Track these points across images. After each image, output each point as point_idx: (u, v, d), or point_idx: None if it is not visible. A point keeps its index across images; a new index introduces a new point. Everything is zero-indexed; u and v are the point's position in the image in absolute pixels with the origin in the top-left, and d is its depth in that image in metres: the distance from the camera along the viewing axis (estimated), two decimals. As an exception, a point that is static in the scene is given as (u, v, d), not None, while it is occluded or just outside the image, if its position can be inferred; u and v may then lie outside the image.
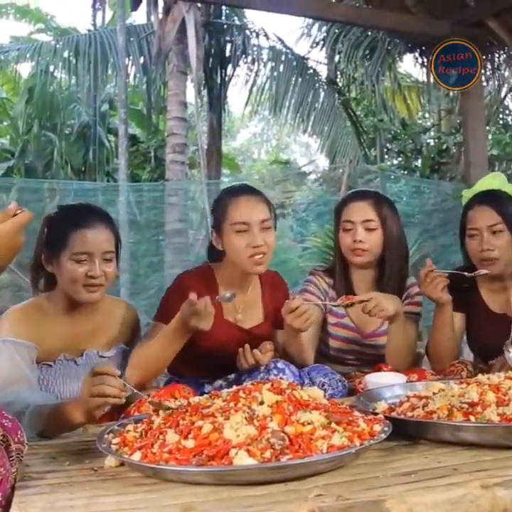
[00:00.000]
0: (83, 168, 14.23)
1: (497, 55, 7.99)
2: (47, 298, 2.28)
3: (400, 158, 14.26)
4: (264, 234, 2.38)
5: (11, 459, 1.38)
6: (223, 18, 12.80)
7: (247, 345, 2.31)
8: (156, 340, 2.26)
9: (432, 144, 14.02)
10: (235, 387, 1.67)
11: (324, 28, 12.37)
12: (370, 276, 2.79)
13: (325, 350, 2.80)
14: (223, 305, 2.46)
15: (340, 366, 2.75)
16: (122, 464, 1.48)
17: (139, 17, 27.77)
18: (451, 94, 13.15)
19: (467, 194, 2.86)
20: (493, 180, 2.90)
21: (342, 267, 2.80)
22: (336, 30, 11.87)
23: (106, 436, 1.59)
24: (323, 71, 13.38)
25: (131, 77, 12.62)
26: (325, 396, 2.10)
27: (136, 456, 1.43)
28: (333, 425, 1.48)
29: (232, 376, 2.42)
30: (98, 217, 2.26)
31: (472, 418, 1.61)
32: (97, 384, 1.67)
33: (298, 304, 2.26)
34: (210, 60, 12.43)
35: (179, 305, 2.25)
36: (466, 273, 2.62)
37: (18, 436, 1.46)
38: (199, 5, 10.72)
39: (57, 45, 12.24)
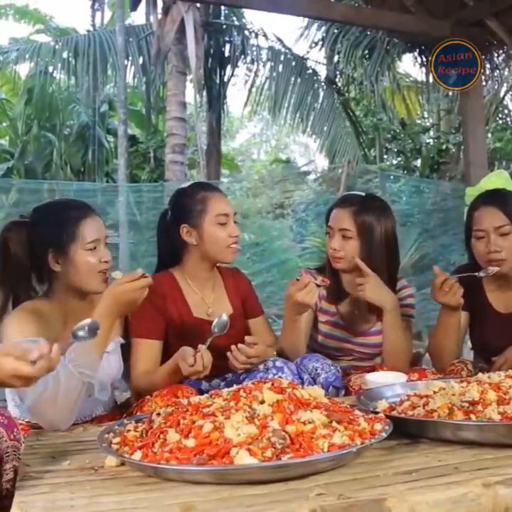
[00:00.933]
0: (82, 169, 14.23)
1: (496, 55, 7.98)
2: (45, 299, 2.27)
3: (399, 158, 14.27)
4: (236, 225, 2.56)
5: (6, 454, 1.38)
6: (222, 18, 12.81)
7: (233, 347, 2.29)
8: (161, 375, 2.27)
9: (432, 143, 14.03)
10: (235, 387, 1.67)
11: (323, 28, 12.37)
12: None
13: (316, 347, 2.80)
14: (190, 303, 2.53)
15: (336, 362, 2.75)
16: (123, 464, 1.48)
17: (138, 17, 27.82)
18: (450, 93, 13.15)
19: (471, 192, 2.84)
20: (497, 179, 2.88)
21: (331, 269, 2.78)
22: (335, 30, 11.88)
23: (106, 435, 1.59)
24: (322, 71, 13.39)
25: (131, 77, 12.62)
26: (320, 381, 2.14)
27: (137, 456, 1.42)
28: (333, 424, 1.48)
29: (230, 375, 2.43)
30: (89, 206, 2.33)
31: (473, 417, 1.61)
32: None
33: (307, 281, 2.37)
34: (210, 60, 12.43)
35: (152, 312, 2.41)
36: (477, 274, 2.60)
37: (14, 433, 1.46)
38: (198, 5, 10.73)
39: (57, 46, 12.24)
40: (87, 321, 1.73)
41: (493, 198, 2.66)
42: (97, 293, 2.23)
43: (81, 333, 1.70)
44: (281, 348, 2.56)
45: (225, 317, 2.24)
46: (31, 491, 1.34)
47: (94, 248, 2.20)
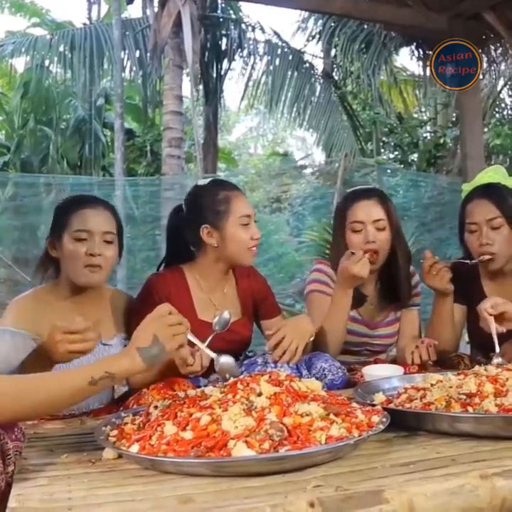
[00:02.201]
0: (79, 163, 14.22)
1: (493, 49, 7.99)
2: (51, 286, 2.31)
3: (396, 152, 14.27)
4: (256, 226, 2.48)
5: (8, 457, 1.38)
6: (219, 11, 12.80)
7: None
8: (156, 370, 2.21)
9: (429, 137, 14.04)
10: (232, 379, 1.67)
11: (320, 22, 12.38)
12: (374, 276, 2.78)
13: None
14: (196, 304, 2.47)
15: (348, 356, 2.75)
16: (120, 457, 1.47)
17: (134, 11, 27.76)
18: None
19: (467, 188, 2.84)
20: (494, 174, 2.88)
21: None
22: (332, 24, 11.88)
23: (104, 428, 1.59)
24: (319, 65, 13.42)
25: (127, 71, 12.63)
26: (325, 382, 2.11)
27: (134, 448, 1.42)
28: (331, 416, 1.48)
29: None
30: (99, 201, 2.33)
31: (470, 409, 1.61)
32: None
33: (362, 255, 2.44)
34: (206, 54, 12.42)
35: (152, 309, 2.29)
36: (468, 261, 2.61)
37: (15, 433, 1.45)
38: (195, -1, 10.71)
39: (53, 40, 12.23)
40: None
41: (486, 191, 2.66)
42: (81, 285, 2.24)
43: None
44: (320, 330, 2.51)
45: (226, 314, 2.19)
46: (29, 484, 1.34)
47: (84, 239, 2.19)
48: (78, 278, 2.21)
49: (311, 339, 2.37)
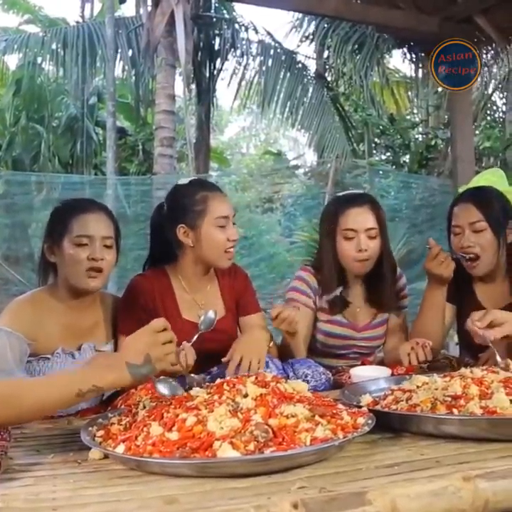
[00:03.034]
0: (71, 161, 14.18)
1: (485, 52, 8.01)
2: (48, 290, 2.31)
3: (388, 153, 14.30)
4: (235, 228, 2.45)
5: None
6: (212, 11, 12.80)
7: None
8: None
9: (420, 139, 14.08)
10: (219, 380, 1.68)
11: (313, 23, 12.38)
12: (361, 281, 2.79)
13: (316, 346, 2.78)
14: (180, 304, 2.46)
15: (334, 360, 2.75)
16: (106, 457, 1.48)
17: (127, 9, 27.67)
18: (439, 89, 13.19)
19: (463, 190, 2.86)
20: (491, 176, 2.90)
21: (339, 273, 2.72)
22: (325, 25, 11.89)
23: (90, 428, 1.59)
24: (311, 65, 13.44)
25: (120, 69, 12.61)
26: (308, 388, 2.11)
27: (120, 449, 1.43)
28: (316, 418, 1.48)
29: (215, 369, 2.40)
30: (97, 205, 2.34)
31: (455, 411, 1.62)
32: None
33: (276, 313, 2.30)
34: (199, 53, 12.42)
35: (137, 311, 2.33)
36: (465, 256, 2.63)
37: (1, 433, 1.45)
38: (188, -2, 10.70)
39: (45, 37, 12.20)
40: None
41: (472, 194, 2.69)
42: (81, 290, 2.25)
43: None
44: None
45: (211, 314, 2.20)
46: (14, 484, 1.34)
47: (85, 244, 2.20)
48: (79, 283, 2.22)
49: (271, 344, 2.39)
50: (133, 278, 2.50)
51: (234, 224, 2.45)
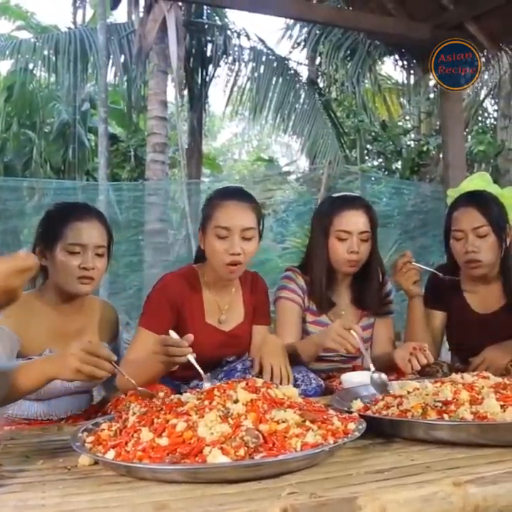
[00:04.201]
0: (63, 167, 14.17)
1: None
2: (38, 292, 2.31)
3: (380, 160, 14.36)
4: (244, 242, 2.33)
5: None
6: (204, 17, 12.82)
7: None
8: (140, 361, 2.19)
9: (412, 145, 14.13)
10: (209, 386, 1.67)
11: (305, 29, 12.44)
12: (348, 283, 2.80)
13: None
14: (206, 307, 2.47)
15: (321, 363, 2.75)
16: (96, 463, 1.47)
17: (120, 16, 27.65)
18: (431, 96, 13.26)
19: (452, 194, 2.86)
20: (480, 181, 2.91)
21: (328, 273, 2.72)
22: (317, 32, 11.94)
23: (80, 434, 1.58)
24: (304, 72, 13.49)
25: (112, 75, 12.61)
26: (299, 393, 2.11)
27: (110, 455, 1.42)
28: (307, 423, 1.48)
29: (208, 375, 2.41)
30: (92, 212, 2.33)
31: (446, 416, 1.62)
32: (90, 364, 1.66)
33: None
34: (191, 59, 12.44)
35: (165, 308, 2.33)
36: (441, 274, 2.67)
37: None
38: (180, 4, 10.70)
39: (37, 43, 12.19)
40: None
41: (473, 198, 2.68)
42: (71, 293, 2.25)
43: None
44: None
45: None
46: (3, 490, 1.33)
47: (77, 252, 2.20)
48: (70, 288, 2.23)
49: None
50: (165, 275, 2.51)
51: (249, 238, 2.35)
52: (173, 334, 1.98)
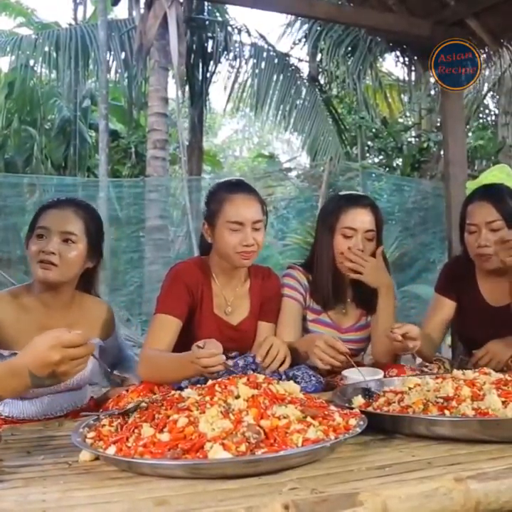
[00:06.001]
0: (63, 164, 14.17)
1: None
2: (26, 287, 2.33)
3: (381, 156, 14.32)
4: (255, 233, 2.42)
5: None
6: (205, 14, 12.80)
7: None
8: (169, 360, 2.22)
9: (413, 142, 14.11)
10: (210, 382, 1.67)
11: (306, 26, 12.40)
12: (349, 282, 2.79)
13: None
14: (214, 299, 2.51)
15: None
16: (97, 458, 1.47)
17: (120, 12, 27.63)
18: (432, 93, 13.24)
19: (472, 186, 2.87)
20: (499, 173, 2.91)
21: (333, 272, 2.71)
22: (318, 28, 11.91)
23: (81, 430, 1.58)
24: (304, 68, 13.45)
25: (112, 72, 12.59)
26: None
27: (111, 450, 1.42)
28: (308, 419, 1.48)
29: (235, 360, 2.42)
30: (71, 203, 2.33)
31: (447, 412, 1.63)
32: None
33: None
34: (192, 56, 12.41)
35: (183, 292, 2.38)
36: None
37: None
38: (181, 0, 10.70)
39: (38, 40, 12.18)
40: None
41: (487, 192, 2.69)
42: (37, 280, 2.25)
43: None
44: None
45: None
46: (4, 486, 1.33)
47: (42, 236, 2.21)
48: (34, 274, 2.24)
49: None
50: (178, 263, 2.58)
51: (257, 230, 2.43)
52: (201, 345, 2.00)
